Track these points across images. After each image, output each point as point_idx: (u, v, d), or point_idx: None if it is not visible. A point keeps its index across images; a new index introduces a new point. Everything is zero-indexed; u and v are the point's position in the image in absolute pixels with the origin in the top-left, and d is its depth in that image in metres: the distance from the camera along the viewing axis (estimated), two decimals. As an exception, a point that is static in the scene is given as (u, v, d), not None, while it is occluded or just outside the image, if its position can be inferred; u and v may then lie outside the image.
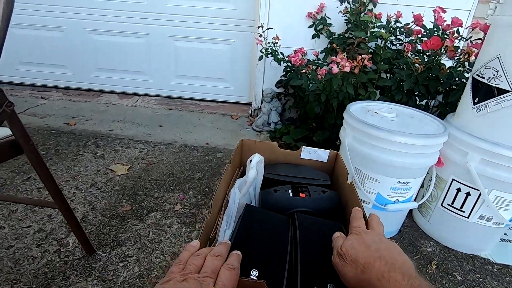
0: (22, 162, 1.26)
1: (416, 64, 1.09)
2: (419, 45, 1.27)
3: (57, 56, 2.09)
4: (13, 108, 0.57)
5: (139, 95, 2.16)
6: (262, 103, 1.84)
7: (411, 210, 1.14)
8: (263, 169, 0.65)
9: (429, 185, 1.00)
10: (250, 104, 2.04)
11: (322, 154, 0.74)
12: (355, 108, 0.99)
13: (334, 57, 1.08)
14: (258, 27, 1.59)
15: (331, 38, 1.60)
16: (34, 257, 0.84)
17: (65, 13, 1.96)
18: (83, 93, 2.13)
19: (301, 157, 0.75)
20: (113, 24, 1.97)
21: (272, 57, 1.58)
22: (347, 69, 1.05)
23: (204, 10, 1.89)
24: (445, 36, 1.09)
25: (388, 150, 0.85)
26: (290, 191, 0.61)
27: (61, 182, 1.17)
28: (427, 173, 0.98)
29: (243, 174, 0.75)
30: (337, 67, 1.06)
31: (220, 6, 1.88)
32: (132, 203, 1.08)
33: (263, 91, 1.83)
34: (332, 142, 1.45)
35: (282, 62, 1.58)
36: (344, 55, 1.10)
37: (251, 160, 0.63)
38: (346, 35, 1.52)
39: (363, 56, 1.08)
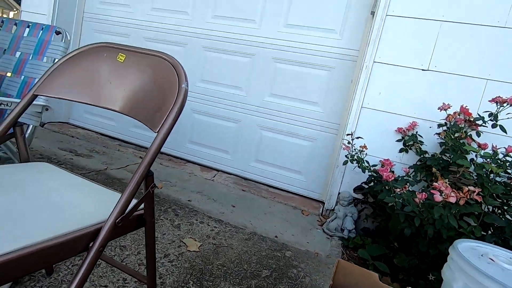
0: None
1: (540, 210, 0.95)
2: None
3: (163, 125, 2.48)
4: (154, 190, 0.66)
5: (217, 170, 2.33)
6: (336, 205, 1.79)
7: None
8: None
9: None
10: (322, 202, 1.99)
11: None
12: (464, 248, 0.87)
13: (436, 184, 1.03)
14: (347, 134, 1.66)
15: (422, 156, 1.57)
16: (103, 325, 0.84)
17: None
18: (172, 159, 2.40)
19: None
20: (213, 108, 2.31)
21: (357, 164, 1.59)
22: (452, 200, 0.97)
23: (294, 109, 2.10)
24: None
25: (516, 317, 0.69)
26: None
27: (140, 246, 1.23)
28: None
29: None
30: (440, 195, 1.00)
31: (309, 108, 2.07)
32: (198, 288, 1.05)
33: (339, 193, 1.79)
34: (420, 271, 1.26)
35: (366, 170, 1.57)
36: (446, 183, 1.03)
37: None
38: (441, 156, 1.47)
39: (470, 188, 1.00)
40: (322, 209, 1.91)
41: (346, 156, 1.64)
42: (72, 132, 2.58)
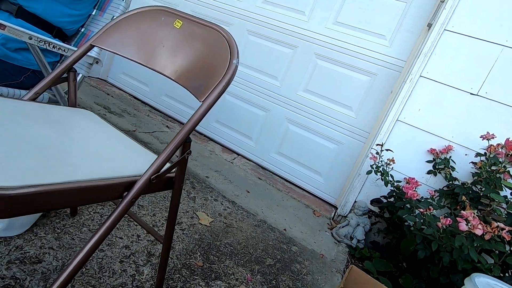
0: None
1: None
2: None
3: (193, 101, 2.52)
4: (188, 156, 0.68)
5: (237, 154, 2.35)
6: (350, 212, 1.76)
7: None
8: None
9: None
10: (335, 207, 1.98)
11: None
12: (481, 283, 0.84)
13: (464, 212, 0.99)
14: (377, 145, 1.62)
15: (450, 182, 1.51)
16: (114, 271, 0.89)
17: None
18: (196, 134, 2.45)
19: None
20: (244, 93, 2.32)
21: (380, 176, 1.56)
22: (477, 232, 0.93)
23: (326, 109, 2.06)
24: None
25: None
26: None
27: (156, 208, 1.28)
28: None
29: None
30: (466, 224, 0.96)
31: (342, 111, 2.03)
32: (204, 261, 1.09)
33: (355, 201, 1.76)
34: (423, 296, 1.23)
35: (389, 184, 1.53)
36: (475, 214, 0.99)
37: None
38: (471, 186, 1.41)
39: (500, 225, 0.96)
40: (334, 214, 1.89)
41: (371, 166, 1.60)
42: (108, 90, 2.68)
